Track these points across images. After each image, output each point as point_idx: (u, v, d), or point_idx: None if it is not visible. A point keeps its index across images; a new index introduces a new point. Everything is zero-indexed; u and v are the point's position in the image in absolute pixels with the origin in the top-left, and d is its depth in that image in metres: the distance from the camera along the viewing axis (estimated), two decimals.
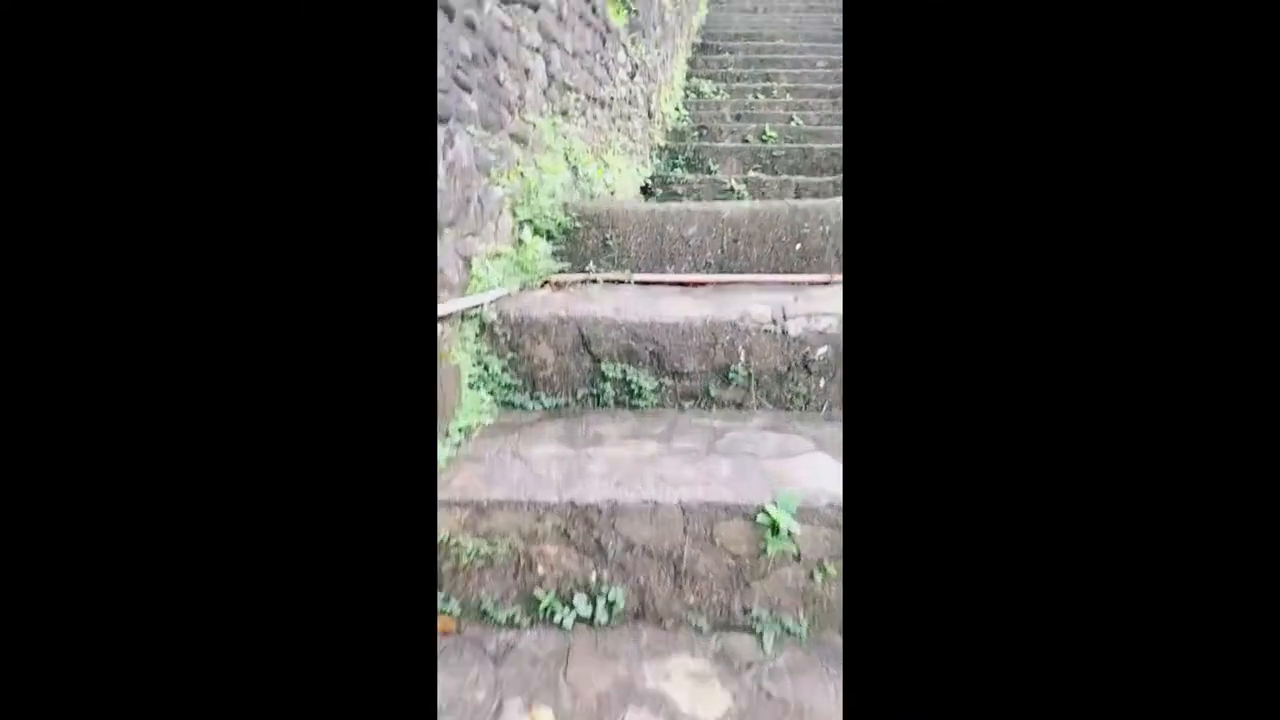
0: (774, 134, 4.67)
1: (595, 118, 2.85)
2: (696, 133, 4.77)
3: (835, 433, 1.43)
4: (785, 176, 4.19)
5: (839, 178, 4.11)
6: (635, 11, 3.85)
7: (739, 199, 4.08)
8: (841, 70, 5.70)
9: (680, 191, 4.16)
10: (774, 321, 1.55)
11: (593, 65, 2.81)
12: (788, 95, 5.36)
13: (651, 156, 4.41)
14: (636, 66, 3.72)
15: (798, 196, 4.09)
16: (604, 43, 2.95)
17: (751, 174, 4.23)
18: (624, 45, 3.39)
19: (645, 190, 4.14)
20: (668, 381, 1.57)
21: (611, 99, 3.15)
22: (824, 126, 4.81)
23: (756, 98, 5.38)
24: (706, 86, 5.49)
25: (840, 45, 6.28)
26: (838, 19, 7.23)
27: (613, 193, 2.98)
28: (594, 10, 2.75)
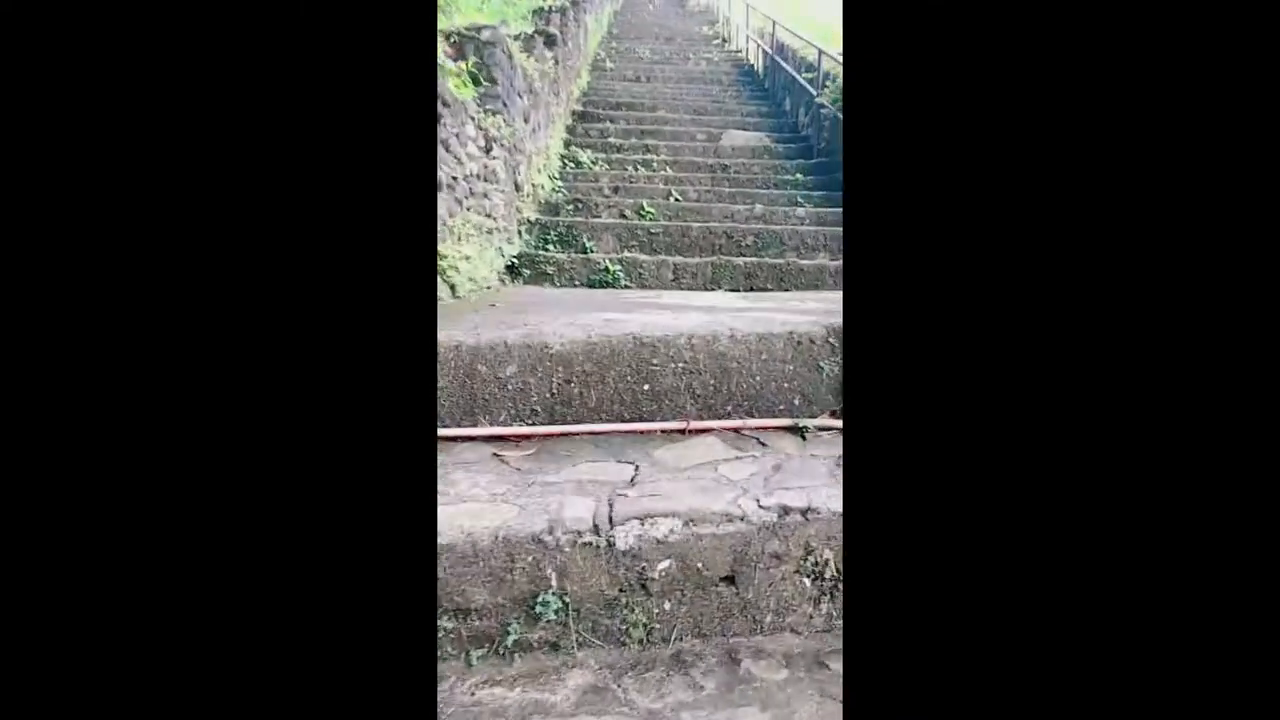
0: (652, 210, 4.42)
1: None
2: (571, 205, 4.44)
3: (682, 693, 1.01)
4: (663, 256, 3.91)
5: (716, 259, 3.88)
6: (491, 82, 3.49)
7: (614, 280, 3.74)
8: (718, 144, 5.65)
9: (550, 271, 3.76)
10: (595, 529, 1.12)
11: None
12: (668, 169, 5.19)
13: (520, 232, 4.00)
14: (493, 140, 3.34)
15: (675, 279, 3.81)
16: (438, 120, 2.53)
17: (628, 254, 3.92)
18: (471, 118, 3.00)
19: (511, 269, 3.71)
20: (447, 624, 1.09)
21: (455, 179, 2.72)
22: (702, 203, 4.64)
23: (636, 170, 5.17)
24: (585, 156, 5.22)
25: (718, 118, 6.29)
26: (718, 91, 7.33)
27: (453, 288, 2.52)
28: None
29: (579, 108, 6.34)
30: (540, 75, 4.54)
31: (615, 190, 4.71)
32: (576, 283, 3.75)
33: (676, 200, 4.63)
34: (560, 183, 4.75)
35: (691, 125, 6.13)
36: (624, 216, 4.40)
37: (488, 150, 3.29)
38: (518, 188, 3.95)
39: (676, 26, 11.19)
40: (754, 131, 5.98)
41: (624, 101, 6.60)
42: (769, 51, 7.39)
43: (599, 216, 4.37)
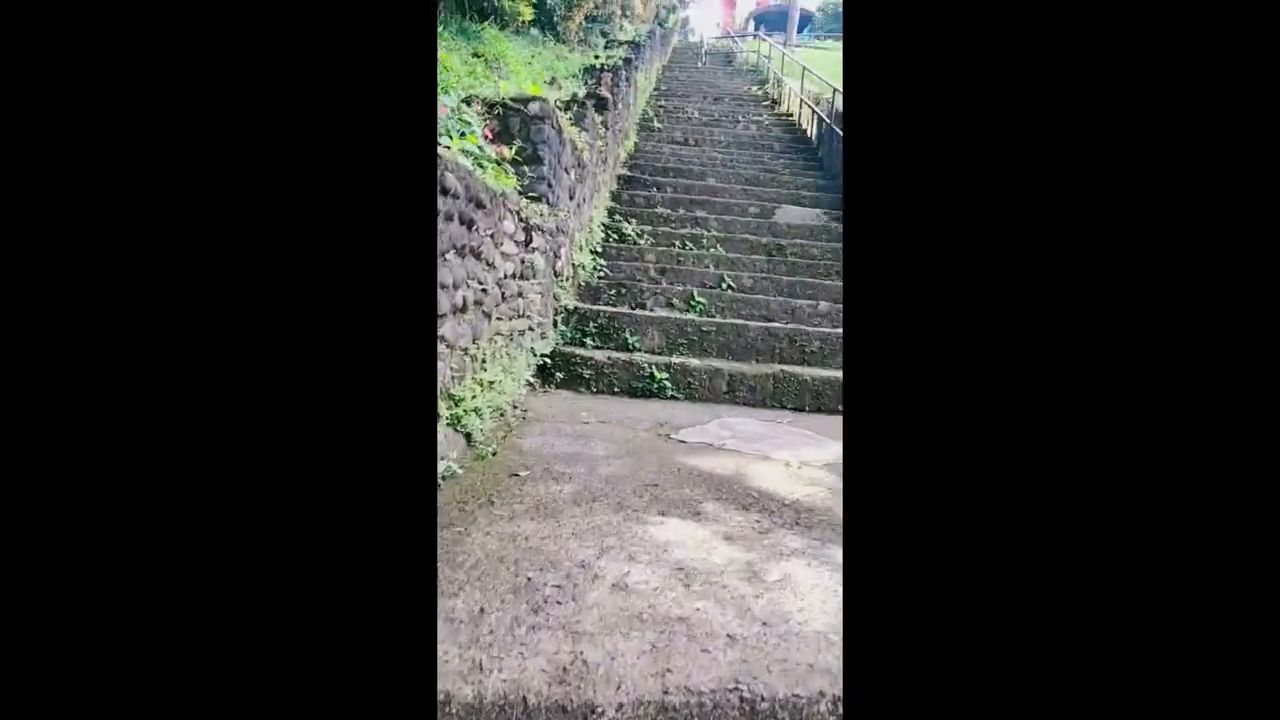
0: (703, 300, 3.92)
1: (463, 328, 1.94)
2: (614, 291, 3.96)
3: None
4: (716, 363, 3.38)
5: (777, 369, 3.34)
6: (537, 161, 3.05)
7: (659, 389, 3.21)
8: (772, 221, 5.17)
9: (587, 375, 3.25)
10: None
11: (455, 264, 1.91)
12: (718, 246, 4.71)
13: (556, 322, 3.52)
14: (534, 229, 2.88)
15: (730, 391, 3.26)
16: (471, 227, 2.06)
17: (676, 358, 3.40)
18: (511, 211, 2.54)
19: (543, 371, 3.21)
20: None
21: (486, 289, 2.24)
22: (758, 292, 4.13)
23: (685, 247, 4.70)
24: (630, 228, 4.77)
25: (771, 190, 5.83)
26: (769, 158, 6.92)
27: (468, 438, 2.01)
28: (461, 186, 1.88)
29: (625, 171, 5.95)
30: (589, 146, 4.13)
31: (662, 273, 4.23)
32: (616, 388, 3.23)
33: (729, 288, 4.13)
34: (602, 260, 4.29)
35: (743, 196, 5.68)
36: (671, 305, 3.90)
37: (527, 243, 2.83)
38: (556, 274, 3.48)
39: (725, 85, 10.93)
40: (810, 208, 5.50)
41: (672, 166, 6.20)
42: (825, 119, 6.97)
43: (644, 306, 3.88)
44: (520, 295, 2.80)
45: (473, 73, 4.38)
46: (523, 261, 2.80)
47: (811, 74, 8.10)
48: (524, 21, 7.21)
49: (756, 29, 19.41)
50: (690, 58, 14.45)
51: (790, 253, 4.68)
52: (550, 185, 3.16)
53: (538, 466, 1.94)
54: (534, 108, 3.11)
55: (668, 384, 3.23)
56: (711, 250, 4.66)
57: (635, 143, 6.83)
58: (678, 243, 4.73)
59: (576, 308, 3.63)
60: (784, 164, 6.73)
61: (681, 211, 5.27)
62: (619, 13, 10.32)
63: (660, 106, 8.64)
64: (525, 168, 3.02)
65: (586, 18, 8.85)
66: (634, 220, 5.00)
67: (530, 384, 3.01)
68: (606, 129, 4.98)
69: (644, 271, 4.22)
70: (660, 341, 3.58)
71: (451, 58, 4.16)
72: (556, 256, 3.41)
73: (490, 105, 3.09)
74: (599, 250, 4.37)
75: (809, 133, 7.76)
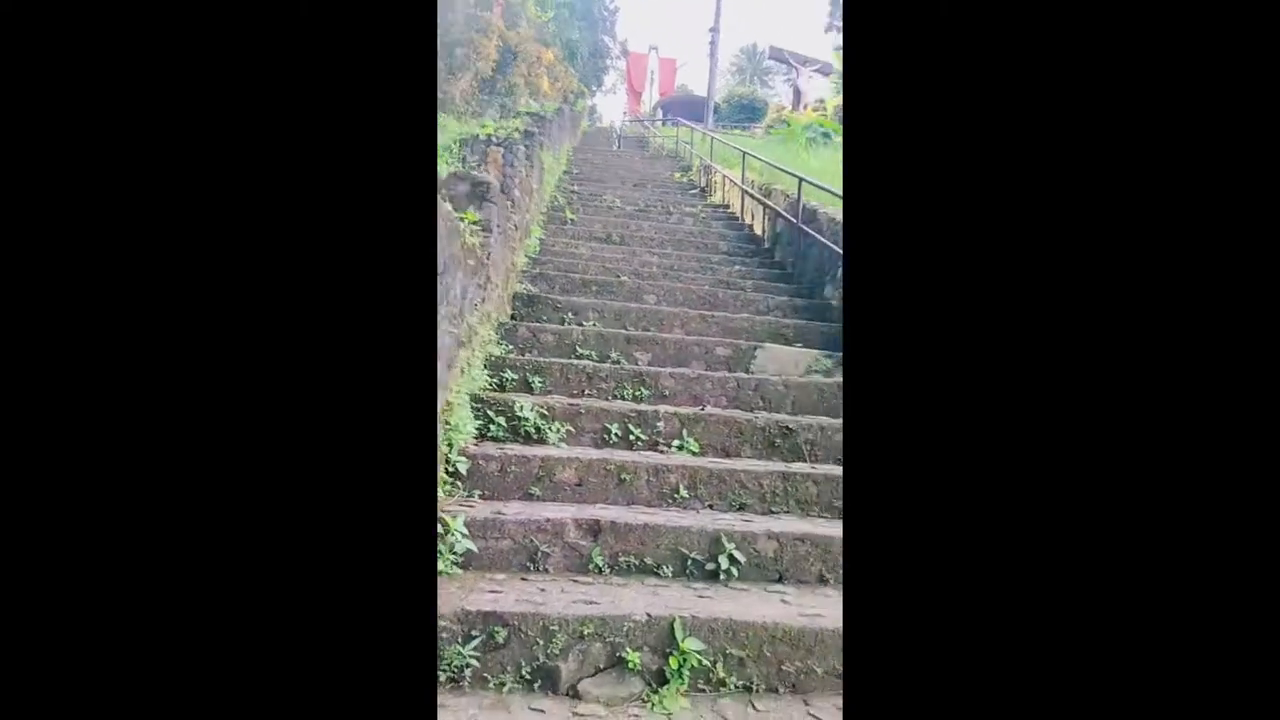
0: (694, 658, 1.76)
1: None
2: (492, 593, 1.73)
3: None
4: None
5: None
6: None
7: None
8: (756, 378, 3.18)
9: None
10: None
11: None
12: (686, 437, 2.63)
13: None
14: None
15: None
16: None
17: None
18: None
19: None
20: None
21: None
22: (779, 555, 2.03)
23: (629, 439, 2.58)
24: (527, 406, 2.59)
25: (740, 315, 3.93)
26: (719, 262, 5.10)
27: None
28: None
29: (526, 287, 3.85)
30: (472, 263, 1.98)
31: (595, 532, 2.03)
32: None
33: (732, 564, 1.99)
34: (474, 489, 2.07)
35: (701, 326, 3.73)
36: (621, 663, 1.70)
37: None
38: None
39: (644, 170, 9.34)
40: (800, 347, 3.62)
41: (595, 279, 4.18)
42: (783, 214, 5.30)
43: (553, 641, 1.64)
44: None
45: None
46: None
47: (753, 160, 6.55)
48: None
49: (665, 116, 18.72)
50: (603, 141, 13.02)
51: (806, 441, 2.67)
52: None
53: None
54: None
55: None
56: (673, 455, 2.56)
57: (540, 239, 4.81)
58: (613, 435, 2.59)
59: None
60: (741, 271, 4.91)
61: (611, 362, 3.19)
62: (523, 84, 8.54)
63: (573, 193, 6.76)
64: None
65: (480, 84, 6.95)
66: (537, 382, 2.85)
67: None
68: (488, 231, 2.88)
69: (555, 532, 2.01)
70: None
71: None
72: None
73: None
74: (459, 469, 2.15)
75: (756, 230, 6.10)
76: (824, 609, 1.73)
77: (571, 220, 5.57)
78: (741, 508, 2.24)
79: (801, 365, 3.42)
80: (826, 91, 17.36)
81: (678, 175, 9.06)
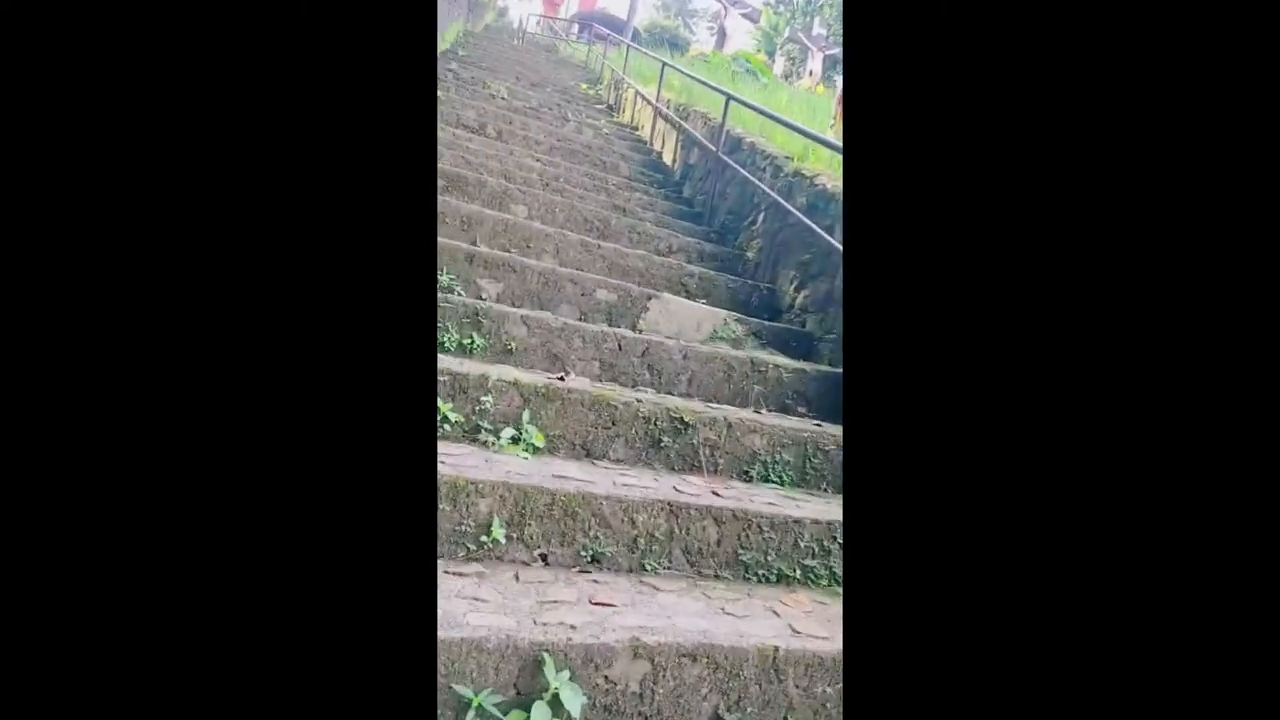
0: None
1: None
2: None
3: None
4: None
5: None
6: None
7: None
8: (647, 339, 2.28)
9: None
10: None
11: None
12: (526, 418, 1.66)
13: None
14: None
15: None
16: None
17: None
18: None
19: None
20: None
21: None
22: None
23: (439, 416, 1.57)
24: None
25: (636, 254, 2.97)
26: (616, 184, 4.06)
27: None
28: None
29: None
30: None
31: None
32: None
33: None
34: None
35: (583, 256, 2.73)
36: None
37: None
38: None
39: (547, 73, 7.89)
40: (705, 303, 2.76)
41: (447, 170, 2.98)
42: (701, 140, 4.36)
43: None
44: None
45: None
46: None
47: (672, 77, 5.48)
48: None
49: (582, 31, 16.79)
50: (505, 36, 11.13)
51: (708, 445, 1.81)
52: None
53: None
54: None
55: None
56: (508, 444, 1.59)
57: None
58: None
59: None
60: (642, 201, 3.92)
61: (443, 286, 2.12)
62: None
63: (449, 70, 5.30)
64: None
65: None
66: None
67: None
68: None
69: None
70: None
71: None
72: None
73: None
74: None
75: (666, 159, 5.12)
76: None
77: (440, 98, 4.21)
78: (595, 560, 1.34)
79: (705, 328, 2.56)
80: (749, 44, 16.42)
81: (584, 86, 7.73)
